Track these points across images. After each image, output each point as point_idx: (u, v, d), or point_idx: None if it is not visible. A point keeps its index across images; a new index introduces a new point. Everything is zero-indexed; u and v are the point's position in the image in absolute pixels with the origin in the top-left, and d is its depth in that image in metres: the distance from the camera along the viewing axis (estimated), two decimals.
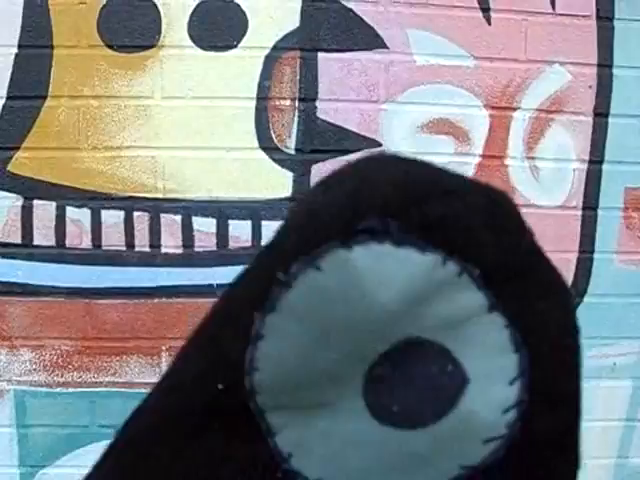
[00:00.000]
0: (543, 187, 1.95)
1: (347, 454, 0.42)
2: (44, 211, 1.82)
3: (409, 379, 0.40)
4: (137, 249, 1.85)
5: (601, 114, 1.95)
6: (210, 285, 1.86)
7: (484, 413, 0.40)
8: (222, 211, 1.85)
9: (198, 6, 1.81)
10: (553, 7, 1.90)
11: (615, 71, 1.94)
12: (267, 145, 1.85)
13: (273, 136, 1.85)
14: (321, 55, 1.85)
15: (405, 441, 0.41)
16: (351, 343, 0.40)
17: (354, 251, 0.38)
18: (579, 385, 0.42)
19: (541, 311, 0.41)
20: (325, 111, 1.86)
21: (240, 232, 1.86)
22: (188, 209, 1.85)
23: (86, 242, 1.84)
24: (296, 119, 1.85)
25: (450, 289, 0.39)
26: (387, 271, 0.38)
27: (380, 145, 1.87)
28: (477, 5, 1.88)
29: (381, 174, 0.41)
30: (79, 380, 1.87)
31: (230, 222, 1.86)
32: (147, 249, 1.85)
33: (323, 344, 0.40)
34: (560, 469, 0.43)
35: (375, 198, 0.39)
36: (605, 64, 1.93)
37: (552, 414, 0.42)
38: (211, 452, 0.43)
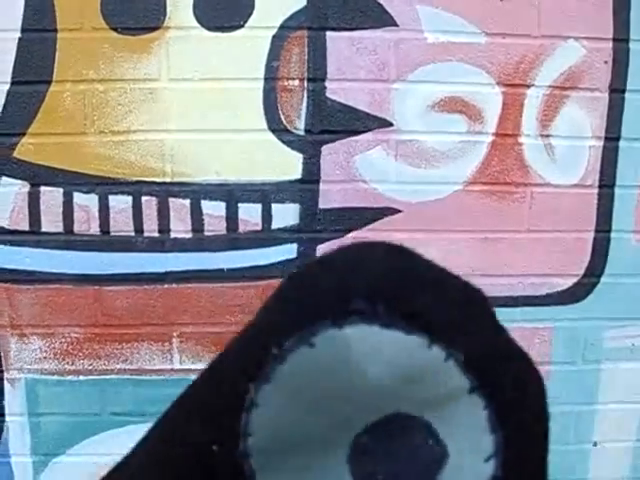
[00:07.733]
0: (558, 165, 1.91)
1: None
2: (51, 197, 1.81)
3: (393, 450, 0.43)
4: (146, 234, 1.83)
5: (617, 90, 1.91)
6: (220, 269, 1.84)
7: None
8: (231, 194, 1.83)
9: None
10: None
11: (632, 46, 1.89)
12: (276, 127, 1.82)
13: (282, 117, 1.82)
14: (329, 34, 1.81)
15: None
16: (340, 414, 0.43)
17: (345, 330, 0.42)
18: (546, 466, 0.47)
19: (516, 398, 0.45)
20: (334, 91, 1.82)
21: (250, 215, 1.84)
22: (197, 193, 1.82)
23: (94, 228, 1.82)
24: (305, 100, 1.82)
25: (436, 371, 0.43)
26: (375, 349, 0.42)
27: (391, 125, 1.84)
28: None
29: (371, 262, 0.45)
30: (90, 367, 1.87)
31: (240, 205, 1.83)
32: (156, 234, 1.83)
33: (313, 414, 0.44)
34: None
35: (365, 284, 0.44)
36: (621, 38, 1.89)
37: None
38: None
